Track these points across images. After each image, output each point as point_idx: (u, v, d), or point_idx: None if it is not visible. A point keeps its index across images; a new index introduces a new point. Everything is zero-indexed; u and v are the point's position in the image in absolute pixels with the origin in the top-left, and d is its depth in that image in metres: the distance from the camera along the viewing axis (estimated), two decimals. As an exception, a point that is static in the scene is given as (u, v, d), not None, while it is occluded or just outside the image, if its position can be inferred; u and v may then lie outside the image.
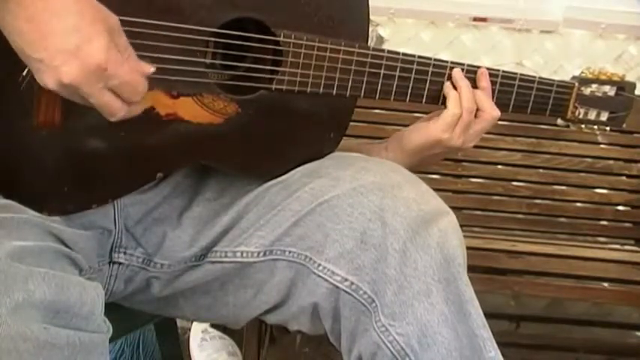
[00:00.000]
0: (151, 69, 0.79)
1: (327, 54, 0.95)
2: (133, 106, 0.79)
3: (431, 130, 1.02)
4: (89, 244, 0.91)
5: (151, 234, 0.98)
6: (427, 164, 1.09)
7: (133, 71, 0.76)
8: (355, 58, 0.97)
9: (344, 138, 1.02)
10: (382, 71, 0.99)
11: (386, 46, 1.62)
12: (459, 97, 1.01)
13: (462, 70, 1.03)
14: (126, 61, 0.75)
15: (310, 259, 0.92)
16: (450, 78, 1.03)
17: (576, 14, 2.13)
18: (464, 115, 1.01)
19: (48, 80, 0.73)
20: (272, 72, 0.94)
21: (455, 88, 1.02)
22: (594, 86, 1.13)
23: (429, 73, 1.02)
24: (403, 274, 0.87)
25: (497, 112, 1.03)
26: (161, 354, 1.53)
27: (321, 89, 0.96)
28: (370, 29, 1.00)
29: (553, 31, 2.15)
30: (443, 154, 1.06)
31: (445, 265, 0.87)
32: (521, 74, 1.07)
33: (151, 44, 0.83)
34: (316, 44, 0.94)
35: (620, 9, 2.13)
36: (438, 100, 1.04)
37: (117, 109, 0.77)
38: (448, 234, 0.88)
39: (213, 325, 1.84)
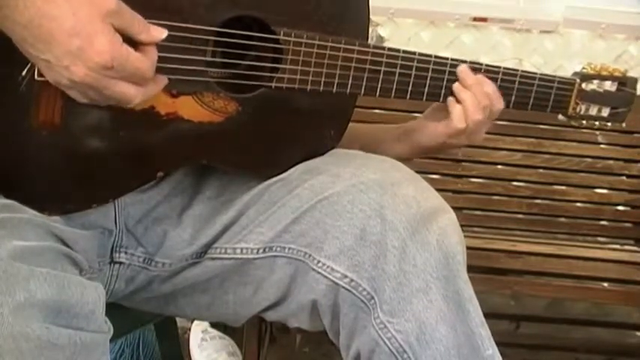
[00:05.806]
0: (162, 34, 0.79)
1: (328, 52, 0.95)
2: (147, 88, 0.80)
3: (439, 134, 1.05)
4: (90, 244, 0.91)
5: (151, 233, 0.98)
6: (435, 153, 1.17)
7: (139, 59, 0.77)
8: (355, 55, 0.97)
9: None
10: (382, 68, 0.99)
11: (386, 46, 1.62)
12: (464, 112, 1.02)
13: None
14: (131, 52, 0.76)
15: (310, 255, 0.91)
16: (450, 75, 1.03)
17: (576, 14, 2.14)
18: (470, 126, 1.03)
19: (60, 79, 0.75)
20: (272, 70, 0.94)
21: (458, 101, 1.03)
22: (596, 82, 1.11)
23: (430, 70, 1.01)
24: (402, 270, 0.86)
25: (500, 105, 1.05)
26: (161, 354, 1.52)
27: (322, 87, 0.96)
28: (370, 29, 1.00)
29: (553, 31, 2.15)
30: (451, 149, 1.10)
31: (444, 263, 0.87)
32: (522, 71, 1.07)
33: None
34: (316, 42, 0.94)
35: (620, 9, 2.14)
36: (439, 97, 1.04)
37: (132, 96, 0.78)
38: (448, 231, 0.88)
39: (213, 325, 1.84)
